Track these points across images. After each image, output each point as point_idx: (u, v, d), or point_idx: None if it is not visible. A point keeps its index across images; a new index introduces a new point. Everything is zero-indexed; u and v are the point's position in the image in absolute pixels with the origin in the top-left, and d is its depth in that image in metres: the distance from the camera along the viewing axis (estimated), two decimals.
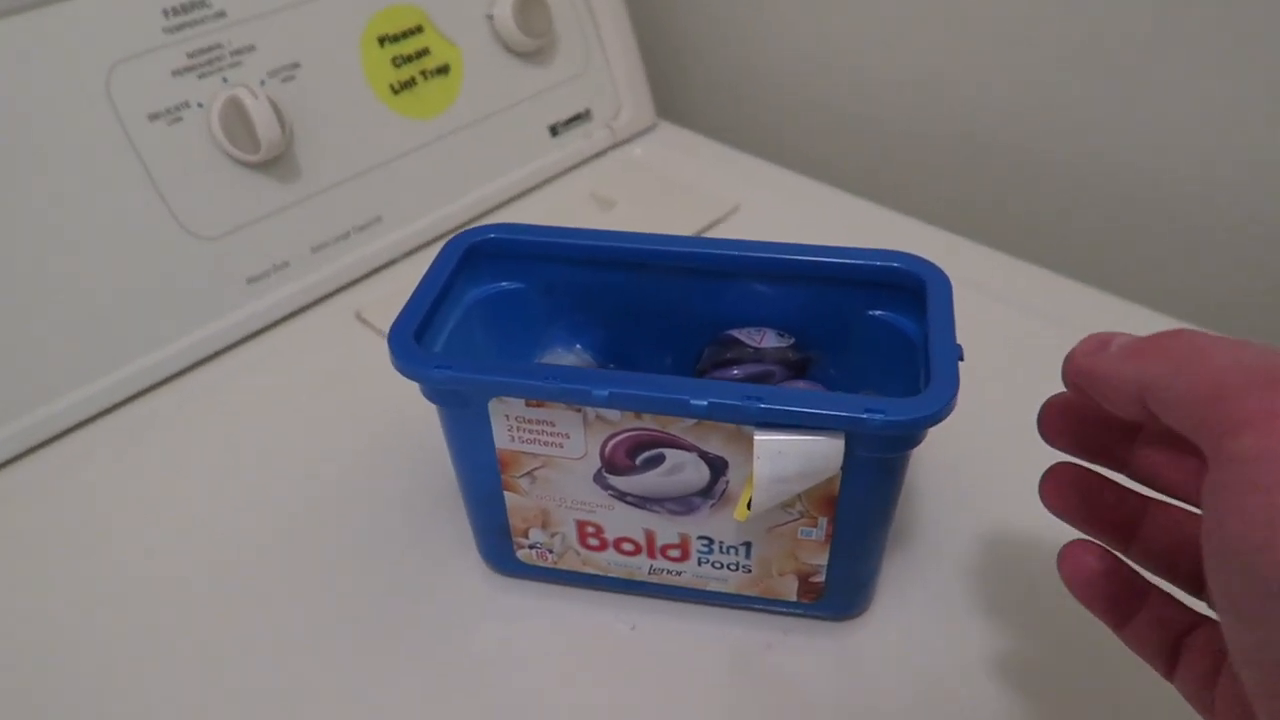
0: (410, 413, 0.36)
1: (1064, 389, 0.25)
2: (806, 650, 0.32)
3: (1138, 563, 0.25)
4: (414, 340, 0.28)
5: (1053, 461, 0.26)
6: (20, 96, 0.38)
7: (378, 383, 0.41)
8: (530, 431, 0.28)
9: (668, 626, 0.33)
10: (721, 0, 0.64)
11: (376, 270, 0.49)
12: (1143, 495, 0.25)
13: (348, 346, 0.45)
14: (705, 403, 0.26)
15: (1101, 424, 0.25)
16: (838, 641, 0.32)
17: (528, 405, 0.28)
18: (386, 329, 0.44)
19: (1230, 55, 0.45)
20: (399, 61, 0.49)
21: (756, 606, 0.33)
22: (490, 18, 0.52)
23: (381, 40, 0.48)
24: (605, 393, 0.26)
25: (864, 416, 0.25)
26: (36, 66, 0.38)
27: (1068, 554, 0.25)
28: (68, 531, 0.36)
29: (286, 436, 0.40)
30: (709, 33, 0.67)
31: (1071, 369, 0.23)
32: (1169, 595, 0.25)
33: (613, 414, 0.27)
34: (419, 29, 0.50)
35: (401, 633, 0.33)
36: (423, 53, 0.50)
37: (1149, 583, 0.25)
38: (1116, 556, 0.25)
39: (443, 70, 0.51)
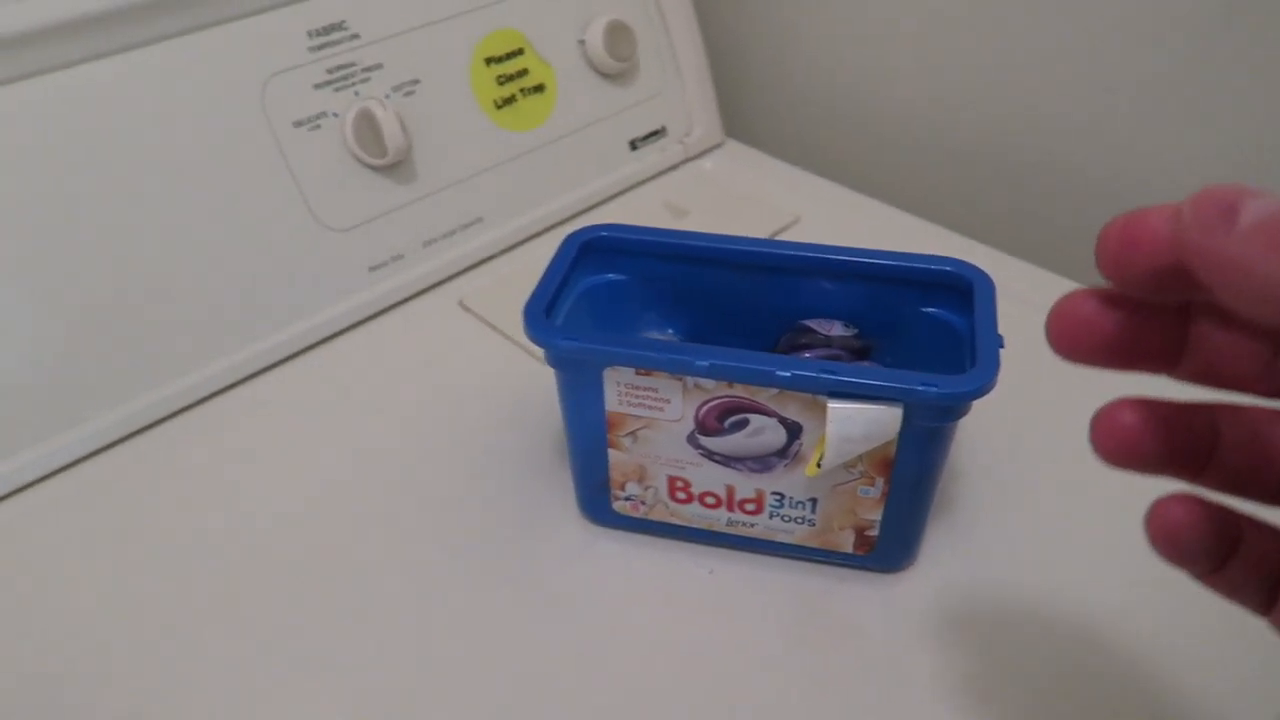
0: (509, 386, 0.42)
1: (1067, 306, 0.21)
2: (859, 598, 0.37)
3: (1212, 488, 0.21)
4: (544, 315, 0.34)
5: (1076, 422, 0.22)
6: (189, 105, 0.45)
7: (480, 361, 0.48)
8: (637, 396, 0.34)
9: (740, 572, 0.38)
10: (785, 32, 0.70)
11: (477, 264, 0.55)
12: (1208, 405, 0.21)
13: (453, 330, 0.51)
14: (789, 374, 0.31)
15: (1147, 313, 0.20)
16: (886, 591, 0.37)
17: (637, 373, 0.33)
18: (486, 316, 0.51)
19: (1251, 73, 0.50)
20: (502, 80, 0.55)
21: (817, 558, 0.38)
22: (582, 42, 0.58)
23: (488, 61, 0.54)
24: (706, 363, 0.32)
25: (920, 389, 0.30)
26: (204, 79, 0.45)
27: (1156, 513, 0.21)
28: (216, 482, 0.43)
29: (403, 404, 0.46)
30: (773, 60, 0.73)
31: (1171, 245, 0.17)
32: (1266, 527, 0.21)
33: (708, 382, 0.33)
34: (520, 51, 0.56)
35: (508, 572, 0.38)
36: (522, 73, 0.56)
37: (1241, 518, 0.21)
38: (1203, 502, 0.21)
39: (539, 89, 0.57)
